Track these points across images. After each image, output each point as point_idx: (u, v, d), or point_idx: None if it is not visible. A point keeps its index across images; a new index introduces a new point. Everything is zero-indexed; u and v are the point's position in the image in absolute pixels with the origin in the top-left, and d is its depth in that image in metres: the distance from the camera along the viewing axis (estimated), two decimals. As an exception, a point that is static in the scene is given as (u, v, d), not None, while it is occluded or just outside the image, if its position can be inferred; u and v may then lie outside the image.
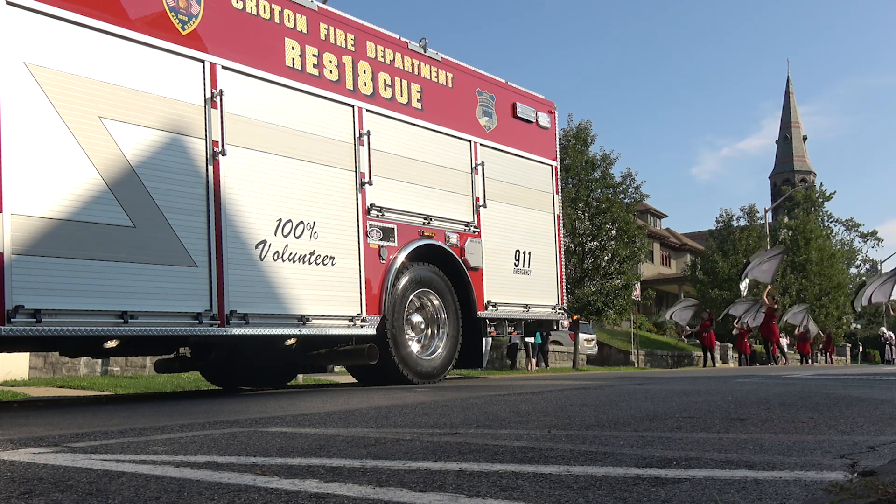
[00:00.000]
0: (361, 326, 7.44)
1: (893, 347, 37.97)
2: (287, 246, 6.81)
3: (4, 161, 5.10)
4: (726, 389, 6.38)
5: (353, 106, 7.59)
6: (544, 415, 4.26)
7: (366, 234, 7.57)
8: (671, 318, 30.94)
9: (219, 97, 6.38)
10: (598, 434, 3.30)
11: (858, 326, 51.39)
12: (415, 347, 8.24)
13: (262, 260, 6.60)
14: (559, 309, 10.05)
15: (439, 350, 8.43)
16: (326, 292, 7.14)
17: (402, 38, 8.29)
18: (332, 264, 7.21)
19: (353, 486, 2.13)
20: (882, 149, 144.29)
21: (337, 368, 13.55)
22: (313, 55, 7.28)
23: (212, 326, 6.17)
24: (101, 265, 5.52)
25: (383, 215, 7.77)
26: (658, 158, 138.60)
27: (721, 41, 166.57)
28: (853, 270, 54.97)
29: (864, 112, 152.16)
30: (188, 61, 6.25)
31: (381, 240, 7.73)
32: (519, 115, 9.68)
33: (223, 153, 6.36)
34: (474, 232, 8.82)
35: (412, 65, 8.32)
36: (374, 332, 7.56)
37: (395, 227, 7.90)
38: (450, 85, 8.78)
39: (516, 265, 9.39)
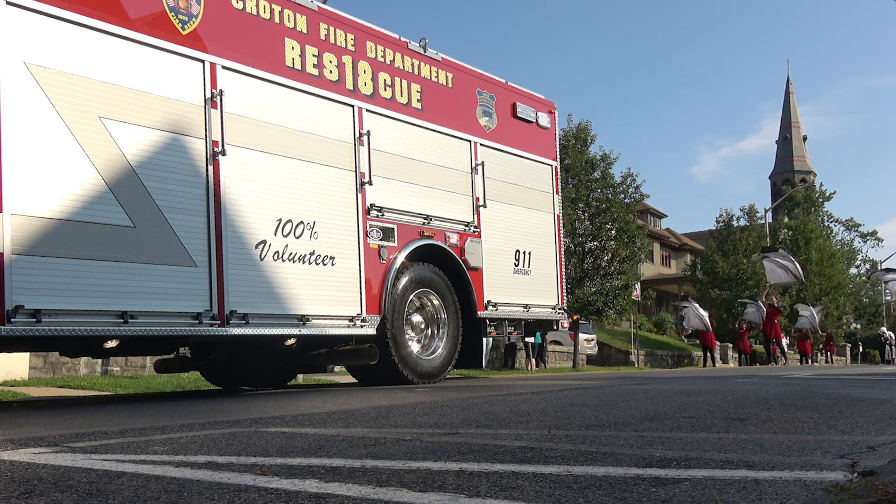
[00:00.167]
0: (361, 326, 7.44)
1: (893, 347, 37.99)
2: (287, 246, 6.81)
3: (4, 161, 5.10)
4: (726, 389, 6.38)
5: (353, 106, 7.59)
6: (544, 415, 4.25)
7: (366, 234, 7.57)
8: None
9: (219, 97, 6.38)
10: (598, 434, 3.30)
11: (858, 326, 51.37)
12: (415, 347, 8.24)
13: (262, 260, 6.60)
14: (559, 309, 10.05)
15: (439, 350, 8.43)
16: (326, 292, 7.14)
17: (402, 38, 8.29)
18: (332, 264, 7.21)
19: (353, 486, 2.13)
20: (882, 149, 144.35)
21: (337, 368, 13.55)
22: (313, 55, 7.28)
23: (212, 326, 6.17)
24: (101, 265, 5.52)
25: (383, 215, 7.77)
26: (658, 158, 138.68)
27: (721, 41, 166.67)
28: (853, 270, 54.94)
29: (864, 112, 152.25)
30: (188, 61, 6.25)
31: (381, 240, 7.73)
32: (519, 115, 9.69)
33: (223, 153, 6.36)
34: (474, 232, 8.82)
35: (412, 65, 8.32)
36: (374, 332, 7.56)
37: (395, 227, 7.90)
38: (450, 85, 8.78)
39: (516, 265, 9.39)
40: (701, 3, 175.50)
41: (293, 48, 7.10)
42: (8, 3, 5.24)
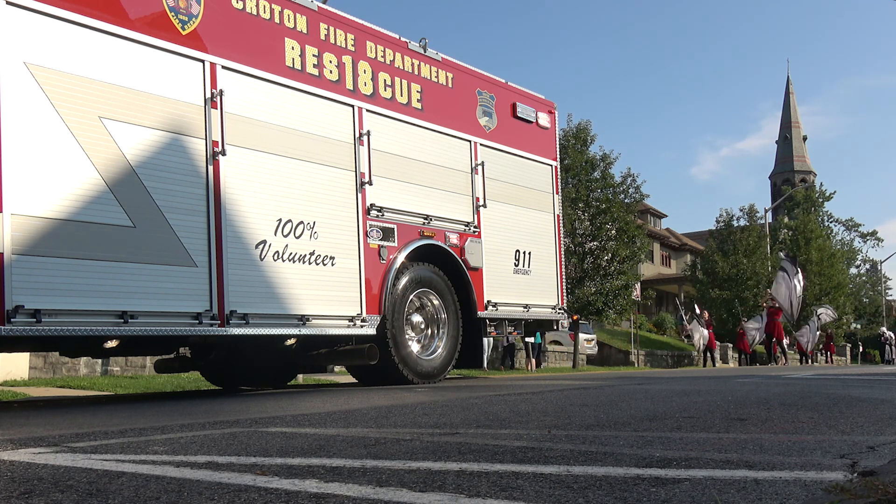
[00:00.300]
0: (361, 326, 7.44)
1: (893, 347, 38.00)
2: (287, 246, 6.81)
3: (4, 161, 5.10)
4: (726, 389, 6.38)
5: (353, 106, 7.59)
6: (544, 415, 4.26)
7: (366, 234, 7.57)
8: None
9: (219, 97, 6.38)
10: (598, 434, 3.30)
11: (858, 326, 51.39)
12: (415, 347, 8.24)
13: (262, 260, 6.60)
14: (559, 309, 10.05)
15: (439, 350, 8.43)
16: (326, 292, 7.14)
17: (402, 38, 8.29)
18: (332, 264, 7.21)
19: (353, 486, 2.13)
20: (882, 149, 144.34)
21: (337, 368, 13.55)
22: (313, 55, 7.28)
23: (212, 326, 6.17)
24: (101, 265, 5.52)
25: (383, 215, 7.77)
26: (658, 158, 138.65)
27: (721, 41, 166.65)
28: (853, 270, 54.96)
29: (864, 112, 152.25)
30: (188, 61, 6.25)
31: (381, 240, 7.73)
32: (519, 115, 9.69)
33: (223, 153, 6.36)
34: (474, 232, 8.82)
35: (412, 65, 8.32)
36: (374, 332, 7.56)
37: (395, 227, 7.90)
38: (450, 85, 8.79)
39: (516, 265, 9.39)
40: (701, 3, 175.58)
41: (293, 48, 7.10)
42: (8, 3, 5.24)
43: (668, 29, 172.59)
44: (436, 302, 8.42)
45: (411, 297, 8.12)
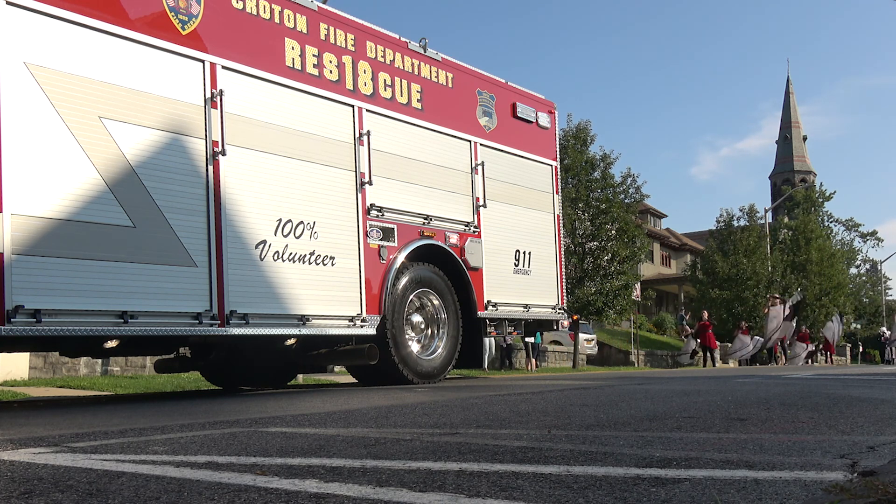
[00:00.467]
0: (361, 326, 7.44)
1: (893, 347, 37.97)
2: (287, 246, 6.81)
3: (4, 161, 5.10)
4: (726, 389, 6.38)
5: (353, 106, 7.59)
6: (544, 415, 4.26)
7: (366, 234, 7.57)
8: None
9: (219, 97, 6.38)
10: (598, 434, 3.30)
11: (858, 326, 51.39)
12: (415, 347, 8.24)
13: (262, 260, 6.60)
14: (559, 309, 10.05)
15: (439, 350, 8.43)
16: (326, 292, 7.14)
17: (402, 38, 8.29)
18: (332, 264, 7.21)
19: (353, 486, 2.13)
20: (882, 149, 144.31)
21: (337, 368, 13.55)
22: (313, 55, 7.28)
23: (212, 326, 6.17)
24: (101, 265, 5.52)
25: (383, 215, 7.77)
26: (657, 158, 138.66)
27: (721, 41, 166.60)
28: (853, 270, 54.96)
29: (864, 112, 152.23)
30: (188, 61, 6.25)
31: (381, 240, 7.73)
32: (519, 115, 9.69)
33: (223, 153, 6.36)
34: (474, 232, 8.82)
35: (412, 65, 8.32)
36: (374, 332, 7.56)
37: (395, 227, 7.90)
38: (450, 85, 8.79)
39: (516, 265, 9.39)
40: (701, 3, 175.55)
41: (293, 48, 7.10)
42: (8, 3, 5.24)
43: (668, 29, 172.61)
44: (436, 302, 8.42)
45: (411, 297, 8.12)
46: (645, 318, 39.88)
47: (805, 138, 76.58)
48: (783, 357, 26.30)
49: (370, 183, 7.59)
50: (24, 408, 6.31)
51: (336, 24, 7.54)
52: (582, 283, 24.97)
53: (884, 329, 42.07)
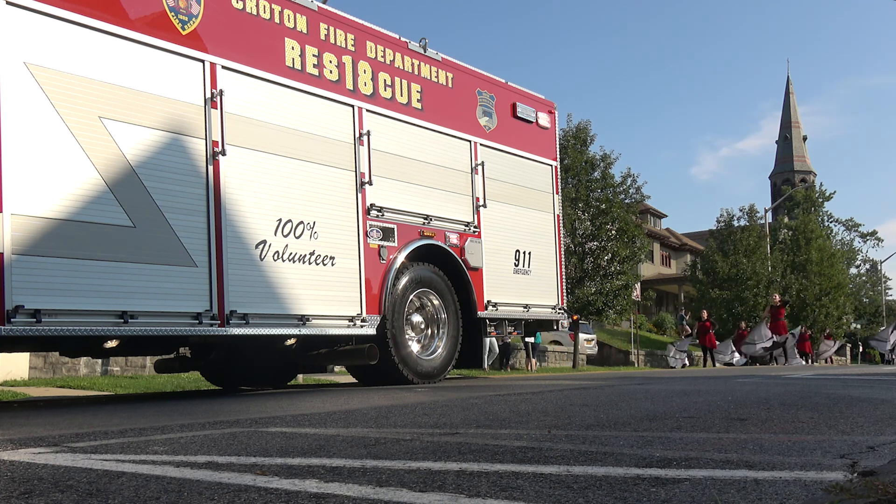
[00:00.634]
0: (361, 326, 7.44)
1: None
2: (287, 246, 6.81)
3: (4, 161, 5.10)
4: (726, 389, 6.38)
5: (353, 106, 7.59)
6: (544, 415, 4.25)
7: (366, 234, 7.57)
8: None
9: (219, 97, 6.38)
10: (598, 434, 3.30)
11: (858, 326, 51.37)
12: (415, 347, 8.24)
13: (262, 260, 6.60)
14: (559, 309, 10.05)
15: (439, 350, 8.43)
16: (326, 292, 7.14)
17: (402, 38, 8.29)
18: (332, 264, 7.21)
19: (353, 486, 2.13)
20: (882, 149, 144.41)
21: (337, 368, 13.55)
22: (313, 55, 7.28)
23: (212, 326, 6.17)
24: (101, 265, 5.52)
25: (383, 215, 7.77)
26: (657, 158, 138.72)
27: (721, 41, 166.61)
28: (853, 270, 54.93)
29: (864, 112, 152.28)
30: (188, 61, 6.25)
31: (381, 240, 7.73)
32: (519, 115, 9.69)
33: (223, 153, 6.36)
34: (474, 232, 8.82)
35: (412, 65, 8.32)
36: (374, 332, 7.55)
37: (395, 227, 7.90)
38: (450, 85, 8.78)
39: (516, 265, 9.39)
40: (701, 3, 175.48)
41: (293, 48, 7.10)
42: (8, 3, 5.24)
43: (668, 29, 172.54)
44: (436, 302, 8.42)
45: (411, 297, 8.12)
46: (645, 318, 39.88)
47: (805, 138, 76.58)
48: (784, 357, 26.23)
49: (370, 183, 7.59)
50: (24, 408, 6.31)
51: (336, 24, 7.54)
52: (582, 283, 24.97)
53: (884, 328, 42.05)
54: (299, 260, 6.91)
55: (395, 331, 7.79)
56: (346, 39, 7.61)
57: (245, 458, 2.71)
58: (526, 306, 9.46)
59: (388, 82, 8.01)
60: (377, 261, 7.66)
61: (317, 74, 7.29)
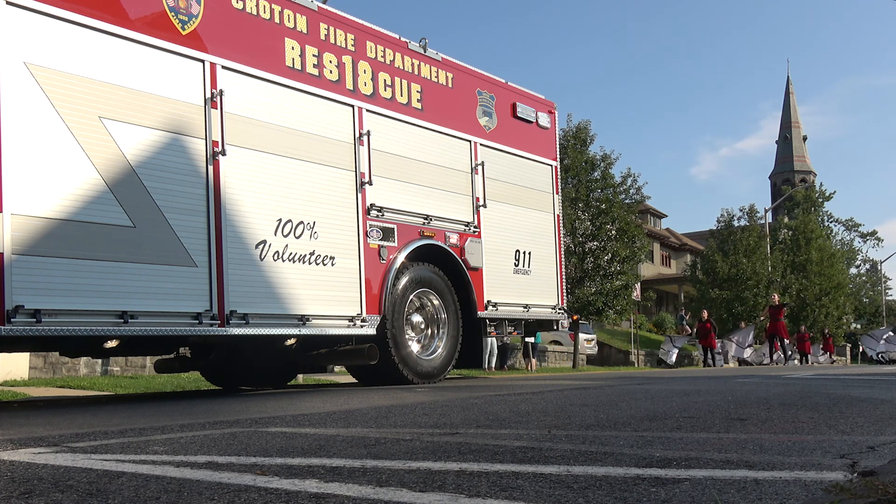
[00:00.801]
0: (361, 326, 7.44)
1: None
2: (287, 246, 6.81)
3: (4, 161, 5.10)
4: (726, 389, 6.38)
5: (353, 106, 7.59)
6: (544, 415, 4.25)
7: (366, 234, 7.57)
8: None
9: (219, 97, 6.38)
10: (598, 434, 3.30)
11: (858, 326, 51.37)
12: (415, 347, 8.24)
13: (262, 260, 6.60)
14: (559, 309, 10.05)
15: (439, 350, 8.43)
16: (326, 292, 7.14)
17: (402, 38, 8.29)
18: (332, 264, 7.21)
19: (353, 486, 2.13)
20: (882, 149, 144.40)
21: (337, 368, 13.55)
22: (313, 55, 7.28)
23: (212, 326, 6.17)
24: (101, 265, 5.52)
25: (383, 215, 7.77)
26: (657, 158, 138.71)
27: (721, 41, 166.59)
28: (853, 270, 54.95)
29: (864, 112, 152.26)
30: (188, 61, 6.25)
31: (381, 240, 7.73)
32: (519, 115, 9.69)
33: (223, 153, 6.36)
34: (474, 232, 8.82)
35: (412, 65, 8.32)
36: (374, 332, 7.56)
37: (395, 227, 7.90)
38: (450, 85, 8.79)
39: (516, 265, 9.39)
40: (701, 3, 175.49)
41: (293, 48, 7.10)
42: (8, 3, 5.24)
43: (668, 29, 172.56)
44: (436, 302, 8.42)
45: (411, 297, 8.12)
46: (645, 318, 39.87)
47: (805, 138, 76.57)
48: (784, 357, 26.23)
49: (370, 183, 7.59)
50: (24, 408, 6.31)
51: (336, 24, 7.54)
52: (582, 283, 24.99)
53: (884, 328, 42.05)
54: (299, 260, 6.91)
55: (395, 331, 7.79)
56: (346, 39, 7.61)
57: (245, 458, 2.71)
58: (526, 306, 9.46)
59: (388, 82, 8.01)
60: (377, 261, 7.66)
61: (317, 74, 7.29)
